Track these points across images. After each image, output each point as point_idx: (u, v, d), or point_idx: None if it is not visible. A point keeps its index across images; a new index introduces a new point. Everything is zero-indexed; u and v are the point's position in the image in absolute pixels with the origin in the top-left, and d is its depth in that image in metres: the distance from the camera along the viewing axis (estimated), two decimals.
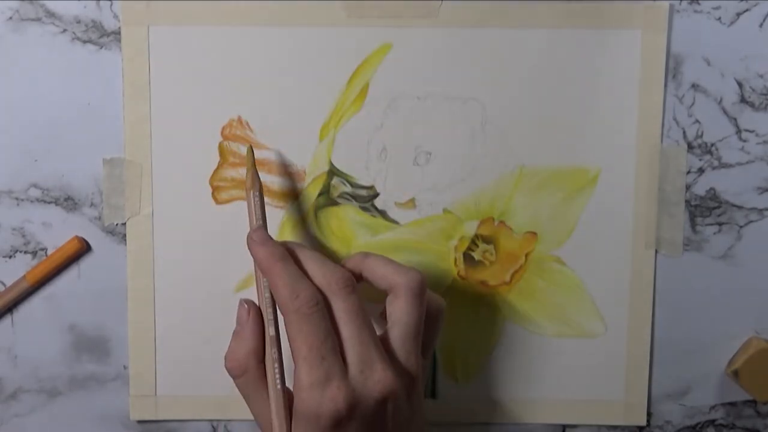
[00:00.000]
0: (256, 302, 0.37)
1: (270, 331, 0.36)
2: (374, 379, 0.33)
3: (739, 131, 0.43)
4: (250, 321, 0.37)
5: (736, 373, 0.43)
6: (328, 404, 0.33)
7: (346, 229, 0.43)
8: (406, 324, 0.35)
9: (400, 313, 0.35)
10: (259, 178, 0.39)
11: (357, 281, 0.36)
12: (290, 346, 0.34)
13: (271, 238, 0.37)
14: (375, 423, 0.34)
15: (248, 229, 0.38)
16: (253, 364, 0.36)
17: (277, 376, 0.36)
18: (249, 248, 0.37)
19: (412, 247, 0.43)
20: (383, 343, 0.35)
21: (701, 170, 0.43)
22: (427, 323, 0.37)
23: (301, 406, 0.33)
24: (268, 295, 0.37)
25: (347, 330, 0.34)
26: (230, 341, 0.37)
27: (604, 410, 0.44)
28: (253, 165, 0.39)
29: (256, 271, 0.37)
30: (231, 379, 0.42)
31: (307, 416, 0.33)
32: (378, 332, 0.35)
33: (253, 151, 0.40)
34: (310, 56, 0.42)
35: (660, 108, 0.42)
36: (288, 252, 0.36)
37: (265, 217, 0.38)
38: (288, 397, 0.35)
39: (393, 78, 0.42)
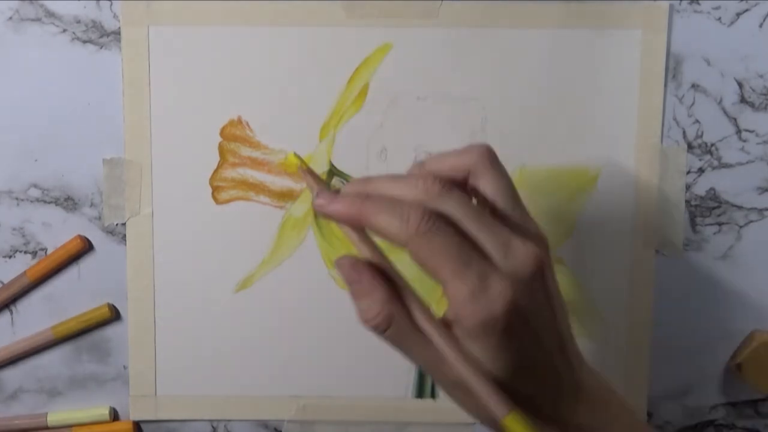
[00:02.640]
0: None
1: (397, 277, 0.34)
2: (520, 256, 0.32)
3: (739, 131, 0.43)
4: (366, 273, 0.33)
5: (739, 367, 0.43)
6: (498, 302, 0.31)
7: None
8: (505, 190, 0.33)
9: (494, 185, 0.33)
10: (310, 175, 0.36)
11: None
12: (428, 273, 0.32)
13: (336, 193, 0.34)
14: (540, 294, 0.32)
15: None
16: (397, 310, 0.33)
17: (428, 311, 0.33)
18: (324, 213, 0.34)
19: None
20: (499, 217, 0.33)
21: (701, 170, 0.43)
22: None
23: (470, 320, 0.31)
24: (367, 244, 0.34)
25: (470, 225, 0.32)
26: (356, 301, 0.33)
27: None
28: (303, 164, 0.36)
29: (347, 234, 0.34)
30: (231, 379, 0.43)
31: (482, 325, 0.31)
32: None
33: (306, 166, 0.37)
34: (310, 56, 0.42)
35: (660, 108, 0.42)
36: (364, 188, 0.34)
37: (323, 183, 0.35)
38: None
39: (393, 78, 0.42)
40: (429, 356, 0.33)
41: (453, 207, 0.32)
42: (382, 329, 0.33)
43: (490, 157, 0.34)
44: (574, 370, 0.33)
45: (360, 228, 0.33)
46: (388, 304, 0.33)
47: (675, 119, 0.43)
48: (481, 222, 0.32)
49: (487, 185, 0.34)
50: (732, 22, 0.42)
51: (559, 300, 0.34)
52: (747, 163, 0.43)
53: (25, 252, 0.43)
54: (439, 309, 0.43)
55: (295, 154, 0.36)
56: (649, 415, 0.44)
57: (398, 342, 0.34)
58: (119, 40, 0.42)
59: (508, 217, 0.33)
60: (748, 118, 0.43)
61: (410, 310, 0.33)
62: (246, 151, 0.42)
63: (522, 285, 0.31)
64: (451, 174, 0.34)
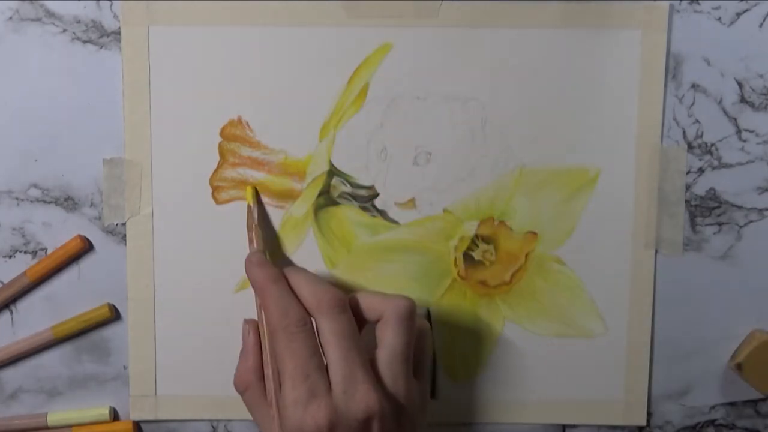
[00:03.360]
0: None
1: (266, 349, 0.38)
2: (357, 398, 0.34)
3: (739, 131, 0.43)
4: (250, 339, 0.39)
5: (739, 366, 0.43)
6: (310, 422, 0.33)
7: (346, 229, 0.43)
8: (393, 347, 0.36)
9: (388, 338, 0.36)
10: (257, 213, 0.41)
11: None
12: (278, 365, 0.35)
13: (268, 262, 0.38)
14: None
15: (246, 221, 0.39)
16: (254, 380, 0.38)
17: (273, 392, 0.37)
18: (246, 270, 0.38)
19: (412, 247, 0.43)
20: (372, 367, 0.35)
21: (701, 170, 0.43)
22: (416, 346, 0.38)
23: (285, 422, 0.34)
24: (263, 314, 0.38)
25: (333, 350, 0.35)
26: (238, 361, 0.39)
27: (604, 410, 0.44)
28: (255, 201, 0.42)
29: (255, 296, 0.38)
30: (231, 379, 0.42)
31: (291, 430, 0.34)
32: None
33: (256, 192, 0.42)
34: (310, 56, 0.42)
35: (660, 108, 0.42)
36: (283, 275, 0.38)
37: (264, 242, 0.40)
38: None
39: (393, 78, 0.42)
40: (266, 429, 0.37)
41: (329, 328, 0.35)
42: (240, 391, 0.38)
43: (404, 314, 0.36)
44: None
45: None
46: (250, 373, 0.38)
47: (675, 119, 0.43)
48: (346, 352, 0.35)
49: (383, 335, 0.36)
50: (732, 22, 0.42)
51: None
52: (747, 163, 0.43)
53: (25, 252, 0.43)
54: (438, 307, 0.43)
55: (253, 189, 0.42)
56: (649, 415, 0.44)
57: (249, 406, 0.38)
58: (119, 40, 0.42)
59: (380, 368, 0.36)
60: (748, 118, 0.43)
61: (266, 386, 0.37)
62: (246, 151, 0.42)
63: (343, 424, 0.34)
64: (367, 315, 0.38)
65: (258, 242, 0.40)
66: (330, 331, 0.35)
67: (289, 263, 0.43)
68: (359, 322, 0.37)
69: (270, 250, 0.42)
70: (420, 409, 0.37)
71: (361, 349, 0.35)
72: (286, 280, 0.37)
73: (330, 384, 0.34)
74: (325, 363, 0.35)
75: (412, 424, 0.36)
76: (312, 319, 0.36)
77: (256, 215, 0.41)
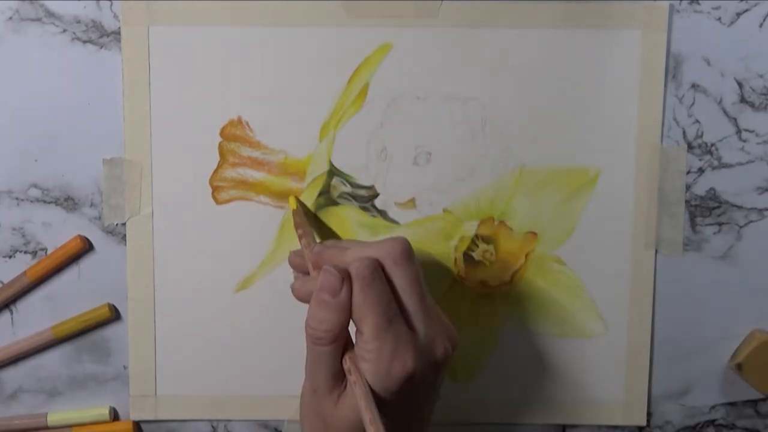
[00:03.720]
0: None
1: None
2: (437, 341, 0.35)
3: (739, 131, 0.43)
4: (344, 292, 0.34)
5: (739, 367, 0.43)
6: (398, 366, 0.33)
7: (346, 229, 0.43)
8: (410, 289, 0.35)
9: (400, 282, 0.35)
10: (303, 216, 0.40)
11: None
12: (354, 316, 0.34)
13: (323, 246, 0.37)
14: (432, 386, 0.35)
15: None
16: (343, 336, 0.35)
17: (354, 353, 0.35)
18: (311, 265, 0.37)
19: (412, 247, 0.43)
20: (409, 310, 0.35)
21: (701, 170, 0.43)
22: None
23: (369, 374, 0.33)
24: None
25: (410, 297, 0.35)
26: (314, 307, 0.35)
27: (604, 410, 0.44)
28: (298, 206, 0.41)
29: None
30: (231, 379, 0.43)
31: (378, 376, 0.33)
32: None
33: (298, 200, 0.42)
34: (310, 56, 0.42)
35: (660, 108, 0.42)
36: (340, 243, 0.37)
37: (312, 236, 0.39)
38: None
39: (393, 78, 0.42)
40: (326, 386, 0.35)
41: (404, 275, 0.35)
42: (323, 343, 0.35)
43: (400, 253, 0.35)
44: None
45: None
46: (342, 328, 0.35)
47: (675, 119, 0.43)
48: (421, 300, 0.35)
49: (395, 279, 0.35)
50: (732, 22, 0.42)
51: (438, 391, 0.37)
52: (747, 163, 0.43)
53: (25, 252, 0.43)
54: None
55: (297, 200, 0.41)
56: (649, 415, 0.44)
57: (319, 358, 0.35)
58: (119, 40, 0.42)
59: (415, 309, 0.35)
60: (748, 118, 0.43)
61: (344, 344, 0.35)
62: (246, 151, 0.42)
63: (426, 367, 0.34)
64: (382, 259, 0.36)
65: (307, 237, 0.38)
66: (405, 278, 0.35)
67: (283, 269, 0.43)
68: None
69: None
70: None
71: (430, 297, 0.36)
72: (328, 255, 0.36)
73: (408, 328, 0.34)
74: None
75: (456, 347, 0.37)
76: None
77: (302, 217, 0.40)
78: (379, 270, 0.35)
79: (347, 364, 0.34)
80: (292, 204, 0.41)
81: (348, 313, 0.34)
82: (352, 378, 0.34)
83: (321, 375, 0.35)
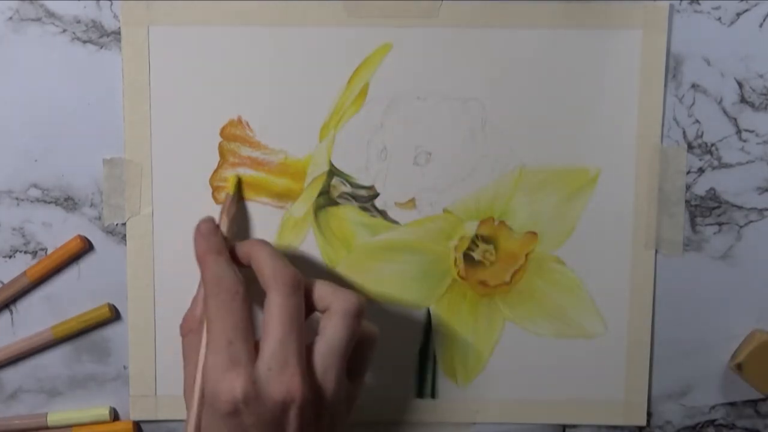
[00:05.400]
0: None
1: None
2: (280, 379, 0.33)
3: (739, 131, 0.43)
4: (201, 290, 0.38)
5: (739, 367, 0.43)
6: (226, 388, 0.33)
7: (346, 230, 0.43)
8: (332, 340, 0.35)
9: (329, 329, 0.35)
10: (234, 204, 0.41)
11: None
12: (207, 331, 0.35)
13: (216, 234, 0.39)
14: (272, 426, 0.34)
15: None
16: (197, 329, 0.37)
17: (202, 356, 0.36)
18: (194, 238, 0.38)
19: (412, 247, 0.43)
20: (307, 354, 0.35)
21: (701, 170, 0.43)
22: (358, 348, 0.37)
23: (205, 385, 0.34)
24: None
25: (273, 327, 0.34)
26: (193, 303, 0.39)
27: (604, 410, 0.44)
28: (236, 191, 0.42)
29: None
30: None
31: (208, 397, 0.34)
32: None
33: (239, 182, 0.42)
34: (310, 56, 0.42)
35: (660, 108, 0.42)
36: (227, 248, 0.38)
37: (229, 227, 0.40)
38: None
39: (393, 78, 0.42)
40: (188, 383, 0.37)
41: (278, 304, 0.35)
42: (181, 334, 0.38)
43: (352, 310, 0.36)
44: None
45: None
46: (195, 321, 0.38)
47: (675, 119, 0.43)
48: (285, 332, 0.34)
49: (326, 325, 0.36)
50: (732, 22, 0.42)
51: None
52: (747, 163, 0.43)
53: (25, 252, 0.43)
54: (438, 307, 0.43)
55: (236, 178, 0.42)
56: (649, 415, 0.44)
57: (184, 352, 0.38)
58: (119, 40, 0.42)
59: (314, 358, 0.35)
60: (748, 118, 0.43)
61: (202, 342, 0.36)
62: (246, 151, 0.42)
63: (260, 401, 0.33)
64: (317, 304, 0.37)
65: (222, 223, 0.40)
66: (277, 306, 0.34)
67: None
68: (307, 310, 0.37)
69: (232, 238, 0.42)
70: (345, 408, 0.36)
71: (302, 335, 0.35)
72: (249, 251, 0.38)
73: (255, 357, 0.34)
74: (256, 338, 0.35)
75: (332, 421, 0.35)
76: (243, 291, 0.36)
77: (229, 205, 0.41)
78: (239, 291, 0.35)
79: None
80: (231, 186, 0.42)
81: (199, 310, 0.38)
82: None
83: (187, 372, 0.37)
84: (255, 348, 0.35)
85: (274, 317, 0.34)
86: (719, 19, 0.42)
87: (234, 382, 0.33)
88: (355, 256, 0.43)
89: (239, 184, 0.42)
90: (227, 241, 0.39)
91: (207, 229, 0.39)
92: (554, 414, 0.44)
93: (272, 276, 0.35)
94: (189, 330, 0.38)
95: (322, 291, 0.37)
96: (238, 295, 0.35)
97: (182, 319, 0.39)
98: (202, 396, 0.35)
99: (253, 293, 0.37)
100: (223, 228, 0.40)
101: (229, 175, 0.42)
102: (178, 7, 0.41)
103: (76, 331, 0.43)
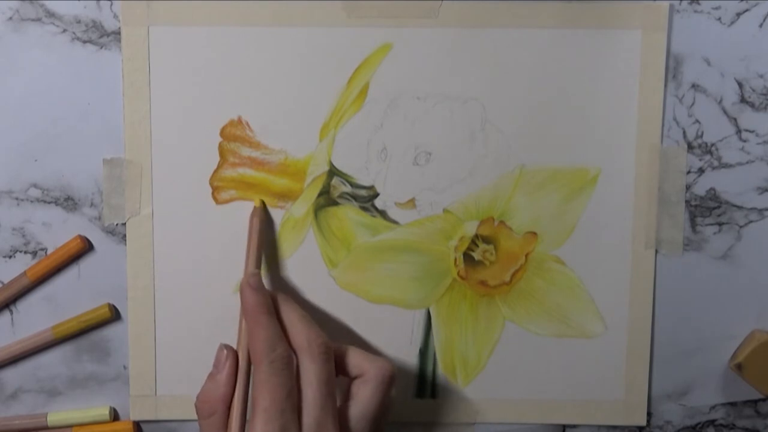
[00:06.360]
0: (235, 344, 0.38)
1: (242, 377, 0.37)
2: None
3: (739, 131, 0.43)
4: (227, 366, 0.37)
5: (739, 367, 0.43)
6: None
7: (346, 230, 0.43)
8: (367, 406, 0.36)
9: (365, 396, 0.37)
10: (261, 225, 0.41)
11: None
12: (252, 397, 0.35)
13: (263, 288, 0.38)
14: None
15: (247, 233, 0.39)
16: (222, 410, 0.37)
17: (237, 420, 0.36)
18: (241, 291, 0.38)
19: (412, 247, 0.43)
20: (341, 418, 0.36)
21: (701, 170, 0.43)
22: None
23: None
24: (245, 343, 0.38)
25: (312, 393, 0.35)
26: (205, 381, 0.38)
27: (604, 410, 0.44)
28: (263, 213, 0.42)
29: (241, 317, 0.38)
30: None
31: None
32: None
33: (264, 209, 0.42)
34: (310, 56, 0.42)
35: (660, 108, 0.42)
36: (274, 303, 0.38)
37: (260, 261, 0.40)
38: None
39: (393, 78, 0.42)
40: None
41: (313, 370, 0.35)
42: (202, 416, 0.37)
43: (387, 378, 0.37)
44: None
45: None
46: (219, 402, 0.37)
47: (675, 119, 0.43)
48: (324, 398, 0.35)
49: (360, 390, 0.37)
50: (732, 22, 0.42)
51: None
52: (747, 163, 0.43)
53: (25, 252, 0.43)
54: (438, 307, 0.43)
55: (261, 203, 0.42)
56: (649, 415, 0.44)
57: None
58: (119, 40, 0.42)
59: (350, 422, 0.36)
60: (748, 118, 0.43)
61: (231, 413, 0.36)
62: (246, 151, 0.42)
63: None
64: (350, 369, 0.38)
65: (255, 256, 0.40)
66: (314, 374, 0.35)
67: (283, 269, 0.43)
68: (336, 375, 0.38)
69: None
70: None
71: (335, 399, 0.36)
72: (277, 309, 0.38)
73: (300, 426, 0.35)
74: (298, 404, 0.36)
75: None
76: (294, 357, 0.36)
77: (257, 226, 0.41)
78: (290, 364, 0.36)
79: None
80: (256, 203, 0.41)
81: (229, 390, 0.37)
82: None
83: None
84: None
85: (313, 384, 0.35)
86: (719, 19, 0.42)
87: None
88: (355, 256, 0.43)
89: (264, 206, 0.42)
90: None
91: (257, 283, 0.38)
92: (554, 414, 0.44)
93: (307, 343, 0.36)
94: (212, 412, 0.37)
95: (357, 358, 0.38)
96: (290, 365, 0.36)
97: (199, 399, 0.37)
98: None
99: None
100: (257, 265, 0.40)
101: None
102: (178, 7, 0.41)
103: (76, 331, 0.43)
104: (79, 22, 0.42)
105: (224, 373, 0.37)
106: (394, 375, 0.37)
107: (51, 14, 0.41)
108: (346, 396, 0.37)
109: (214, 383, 0.37)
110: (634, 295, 0.43)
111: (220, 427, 0.37)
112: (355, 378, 0.38)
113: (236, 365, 0.37)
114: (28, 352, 0.43)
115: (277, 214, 0.43)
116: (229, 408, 0.37)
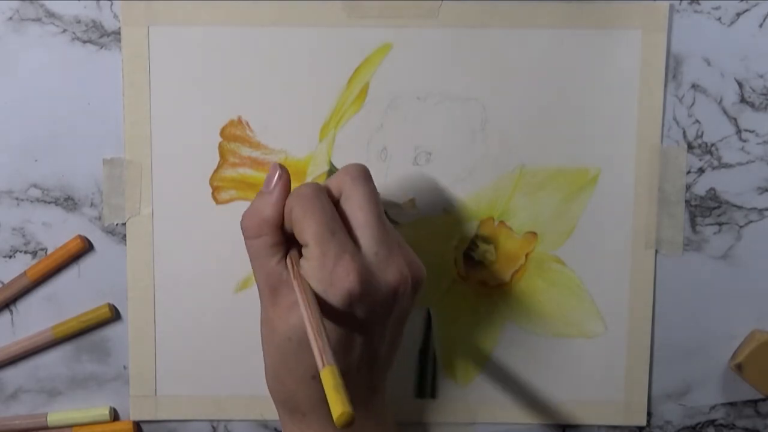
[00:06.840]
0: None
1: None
2: (390, 262, 0.32)
3: (739, 131, 0.43)
4: (279, 186, 0.35)
5: (739, 367, 0.43)
6: (341, 274, 0.31)
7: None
8: (369, 210, 0.34)
9: (356, 205, 0.34)
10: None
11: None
12: (296, 233, 0.33)
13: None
14: (381, 312, 0.32)
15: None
16: (270, 230, 0.34)
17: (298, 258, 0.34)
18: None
19: (412, 247, 0.43)
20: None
21: (701, 170, 0.43)
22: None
23: (313, 273, 0.32)
24: None
25: (365, 213, 0.33)
26: (254, 200, 0.35)
27: (604, 410, 0.44)
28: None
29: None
30: (231, 379, 0.42)
31: (320, 284, 0.31)
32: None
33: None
34: (310, 56, 0.42)
35: (660, 108, 0.42)
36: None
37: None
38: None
39: (393, 78, 0.42)
40: (263, 283, 0.34)
41: (362, 192, 0.33)
42: (250, 236, 0.34)
43: (357, 171, 0.34)
44: (380, 380, 0.35)
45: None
46: (268, 222, 0.34)
47: (675, 119, 0.43)
48: (378, 216, 0.33)
49: (353, 196, 0.34)
50: (732, 22, 0.42)
51: (401, 329, 0.35)
52: (747, 163, 0.43)
53: (25, 252, 0.43)
54: (438, 307, 0.43)
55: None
56: (649, 415, 0.44)
57: (253, 254, 0.34)
58: (119, 40, 0.42)
59: (370, 225, 0.33)
60: (748, 118, 0.43)
61: (290, 249, 0.34)
62: (246, 151, 0.42)
63: (374, 287, 0.32)
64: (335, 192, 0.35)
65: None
66: (363, 194, 0.33)
67: None
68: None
69: None
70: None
71: (386, 219, 0.34)
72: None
73: (359, 247, 0.32)
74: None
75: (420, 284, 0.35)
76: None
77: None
78: (322, 190, 0.33)
79: (288, 261, 0.33)
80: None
81: (277, 214, 0.34)
82: (293, 280, 0.32)
83: (258, 276, 0.34)
84: None
85: (361, 205, 0.33)
86: (719, 19, 0.42)
87: (349, 271, 0.31)
88: None
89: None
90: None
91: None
92: (554, 414, 0.44)
93: (345, 171, 0.34)
94: (259, 234, 0.34)
95: (333, 182, 0.35)
96: (321, 191, 0.33)
97: (245, 218, 0.35)
98: (313, 293, 0.32)
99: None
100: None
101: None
102: (178, 7, 0.41)
103: (76, 331, 0.43)
104: (79, 22, 0.42)
105: (274, 195, 0.34)
106: (364, 169, 0.35)
107: (51, 14, 0.41)
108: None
109: (262, 202, 0.35)
110: (634, 295, 0.43)
111: (267, 248, 0.34)
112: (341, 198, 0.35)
113: (288, 188, 0.35)
114: (28, 352, 0.43)
115: None
116: (278, 230, 0.34)
